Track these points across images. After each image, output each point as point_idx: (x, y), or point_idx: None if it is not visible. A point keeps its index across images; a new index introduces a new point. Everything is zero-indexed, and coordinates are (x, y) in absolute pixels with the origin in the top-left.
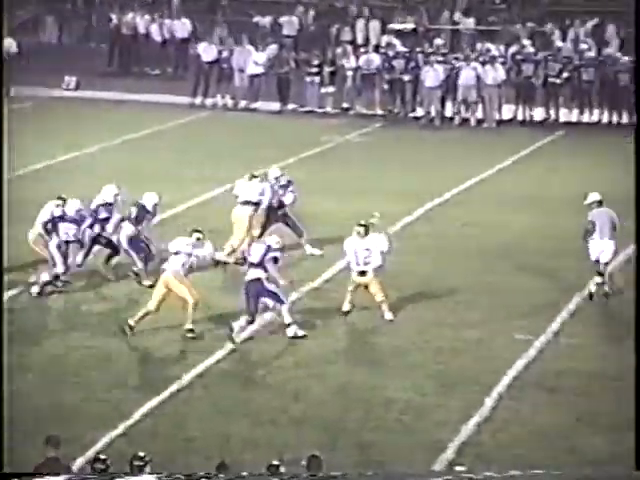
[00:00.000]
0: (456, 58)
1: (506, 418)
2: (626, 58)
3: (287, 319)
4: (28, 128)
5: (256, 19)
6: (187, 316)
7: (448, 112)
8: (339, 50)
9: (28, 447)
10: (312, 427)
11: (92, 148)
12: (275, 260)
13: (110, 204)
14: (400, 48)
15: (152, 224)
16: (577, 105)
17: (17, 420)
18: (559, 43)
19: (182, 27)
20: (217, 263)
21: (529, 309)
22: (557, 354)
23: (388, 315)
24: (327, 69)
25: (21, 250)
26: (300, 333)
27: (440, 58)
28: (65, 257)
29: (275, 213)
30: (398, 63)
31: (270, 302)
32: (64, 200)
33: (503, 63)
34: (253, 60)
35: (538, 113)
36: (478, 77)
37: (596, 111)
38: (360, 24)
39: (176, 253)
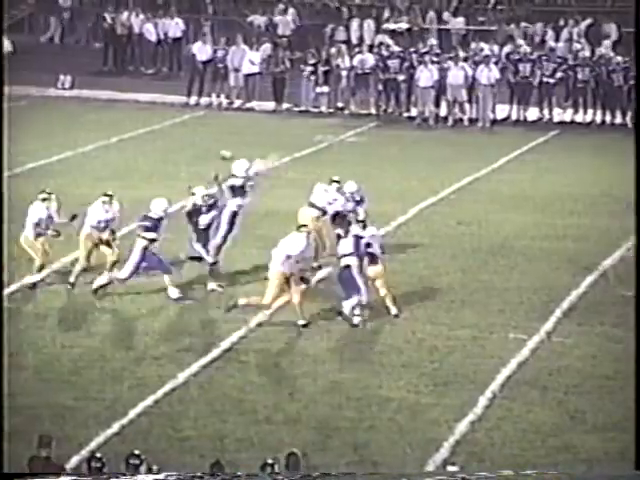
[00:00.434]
0: (450, 58)
1: (500, 417)
2: (619, 58)
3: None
4: (22, 127)
5: (250, 18)
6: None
7: (442, 112)
8: (333, 50)
9: (23, 446)
10: (306, 426)
11: (87, 147)
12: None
13: (160, 219)
14: (394, 48)
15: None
16: (571, 105)
17: (11, 419)
18: (552, 43)
19: (176, 27)
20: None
21: (523, 308)
22: (551, 353)
23: (393, 310)
24: (321, 69)
25: (13, 249)
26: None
27: (434, 58)
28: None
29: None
30: (392, 63)
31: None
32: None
33: (496, 63)
34: (248, 59)
35: (532, 113)
36: (467, 77)
37: (590, 111)
38: (354, 24)
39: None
